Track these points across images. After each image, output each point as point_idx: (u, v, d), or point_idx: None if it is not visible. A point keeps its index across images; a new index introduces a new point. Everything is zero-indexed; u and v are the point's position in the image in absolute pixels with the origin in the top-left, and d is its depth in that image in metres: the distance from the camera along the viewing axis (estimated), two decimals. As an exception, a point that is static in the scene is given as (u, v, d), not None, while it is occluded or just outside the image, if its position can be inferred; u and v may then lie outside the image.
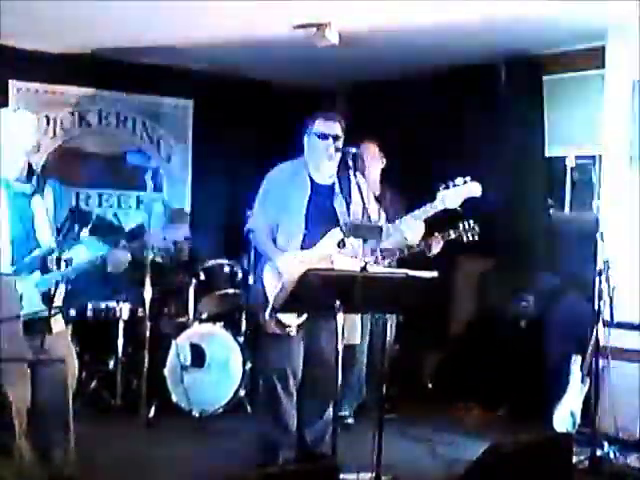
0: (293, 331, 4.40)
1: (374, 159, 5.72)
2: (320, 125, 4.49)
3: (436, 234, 5.18)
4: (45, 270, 3.71)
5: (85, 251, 3.82)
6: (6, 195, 3.71)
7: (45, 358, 3.71)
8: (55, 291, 3.74)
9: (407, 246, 5.02)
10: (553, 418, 5.19)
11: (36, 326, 3.66)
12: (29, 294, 3.64)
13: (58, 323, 3.81)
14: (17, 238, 3.69)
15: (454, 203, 4.30)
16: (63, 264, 3.78)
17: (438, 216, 4.41)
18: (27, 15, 5.51)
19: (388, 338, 5.23)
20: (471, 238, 5.16)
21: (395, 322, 5.69)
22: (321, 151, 4.47)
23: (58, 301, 3.78)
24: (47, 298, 3.70)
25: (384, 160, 5.77)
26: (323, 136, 4.46)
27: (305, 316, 4.38)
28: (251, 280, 4.60)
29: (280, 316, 4.36)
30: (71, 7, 5.35)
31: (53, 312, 3.72)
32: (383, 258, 4.99)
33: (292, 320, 4.37)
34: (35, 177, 3.80)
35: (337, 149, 4.45)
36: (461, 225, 5.14)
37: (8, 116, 3.79)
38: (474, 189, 4.30)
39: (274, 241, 4.49)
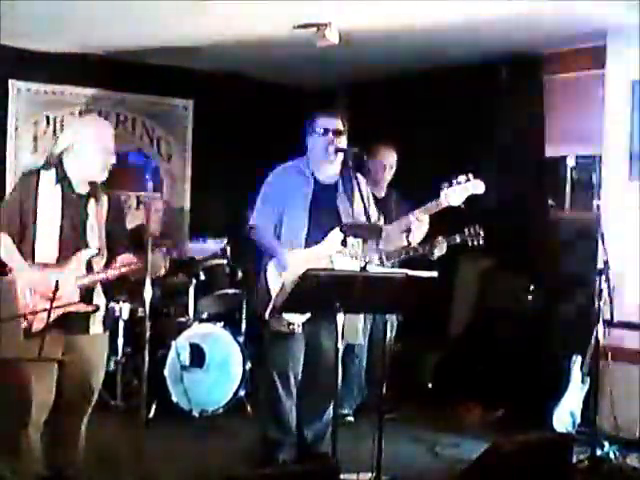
0: (297, 329, 4.40)
1: (392, 161, 5.73)
2: (322, 122, 4.49)
3: (440, 238, 5.19)
4: (89, 271, 3.77)
5: (130, 258, 3.86)
6: (64, 195, 3.79)
7: (74, 359, 3.74)
8: (93, 291, 3.80)
9: (411, 248, 5.03)
10: (553, 418, 5.19)
11: (71, 323, 3.70)
12: (70, 290, 3.67)
13: (96, 326, 3.84)
14: (67, 236, 3.76)
15: (457, 200, 4.31)
16: (108, 267, 3.83)
17: (443, 219, 4.42)
18: (27, 15, 5.52)
19: (388, 338, 5.25)
20: (476, 243, 5.18)
21: (396, 322, 5.70)
22: (323, 148, 4.48)
23: (98, 302, 3.83)
24: (87, 297, 3.76)
25: (394, 167, 5.77)
26: (325, 132, 4.46)
27: (309, 314, 4.38)
28: (254, 278, 4.63)
29: (285, 314, 4.37)
30: (70, 6, 5.35)
31: (91, 310, 3.77)
32: (387, 259, 5.00)
33: (297, 318, 4.38)
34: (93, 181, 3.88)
35: (339, 149, 4.45)
36: (466, 230, 5.16)
37: (91, 122, 3.95)
38: (477, 186, 4.31)
39: (277, 238, 4.50)
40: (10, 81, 6.68)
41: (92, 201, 3.85)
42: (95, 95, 7.03)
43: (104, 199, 3.89)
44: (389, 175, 5.76)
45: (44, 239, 3.73)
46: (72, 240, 3.77)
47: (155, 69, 7.06)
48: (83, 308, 3.74)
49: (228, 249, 3.92)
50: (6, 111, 6.67)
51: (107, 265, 3.83)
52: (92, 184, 3.86)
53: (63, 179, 3.80)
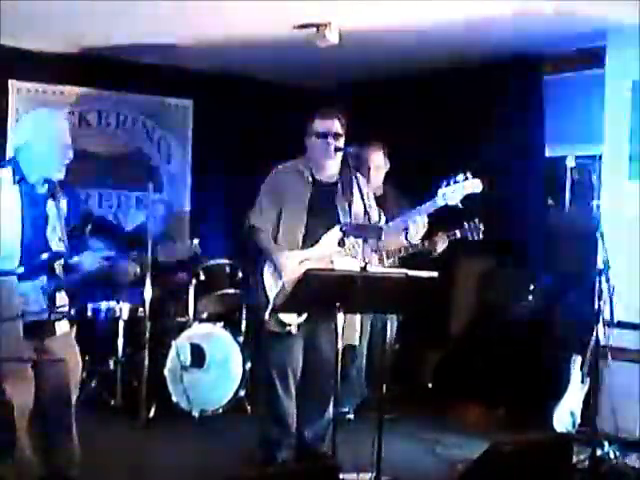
0: (293, 330, 4.41)
1: (379, 162, 5.73)
2: (318, 124, 4.49)
3: (441, 233, 5.20)
4: (52, 274, 3.67)
5: (93, 257, 3.81)
6: (23, 196, 3.67)
7: (46, 359, 3.71)
8: (56, 294, 3.71)
9: (411, 245, 5.03)
10: (553, 418, 5.19)
11: (40, 328, 3.66)
12: (35, 297, 3.62)
13: (62, 324, 3.79)
14: (28, 239, 3.65)
15: (455, 199, 4.31)
16: (71, 269, 3.75)
17: (443, 215, 4.43)
18: (25, 14, 5.51)
19: (388, 338, 5.25)
20: (476, 237, 5.19)
21: (395, 322, 5.71)
22: (321, 150, 4.48)
23: (63, 305, 3.76)
24: (52, 301, 3.68)
25: (388, 164, 5.79)
26: (322, 135, 4.46)
27: (305, 315, 4.38)
28: (251, 279, 4.64)
29: (280, 315, 4.37)
30: (71, 5, 5.35)
31: (59, 317, 3.71)
32: (387, 257, 5.00)
33: (292, 319, 4.38)
34: (51, 180, 3.75)
35: (338, 148, 4.44)
36: (466, 224, 5.17)
37: (45, 115, 3.78)
38: (475, 185, 4.32)
39: (275, 239, 4.49)
40: (10, 81, 6.68)
41: (50, 201, 3.72)
42: (95, 95, 7.02)
43: (61, 197, 3.77)
44: (379, 175, 5.74)
45: (6, 242, 3.58)
46: (34, 243, 3.65)
47: (155, 69, 7.06)
48: (54, 316, 3.67)
49: (199, 251, 3.87)
50: (6, 111, 6.66)
51: (68, 266, 3.73)
52: (49, 181, 3.72)
53: (20, 179, 3.65)
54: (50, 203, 3.74)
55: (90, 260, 3.78)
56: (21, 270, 3.61)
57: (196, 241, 3.93)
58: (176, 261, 6.32)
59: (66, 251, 3.74)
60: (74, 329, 3.91)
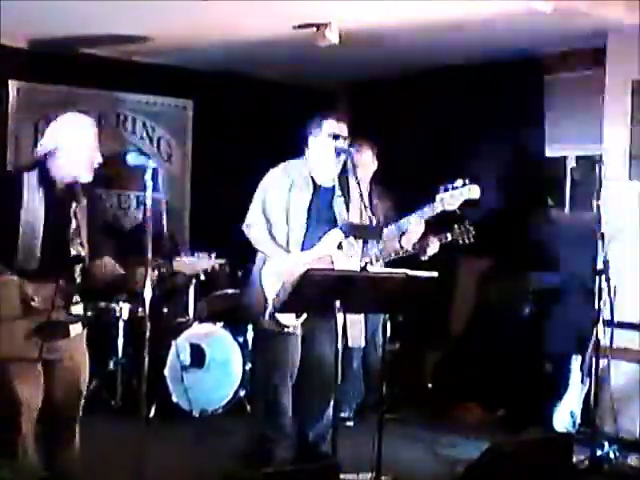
0: (292, 330, 4.41)
1: (367, 161, 5.71)
2: (333, 126, 4.46)
3: (432, 236, 5.17)
4: (70, 277, 3.69)
5: (111, 262, 3.84)
6: (48, 199, 3.68)
7: (58, 360, 3.73)
8: (72, 297, 3.73)
9: (403, 249, 5.03)
10: (553, 418, 5.19)
11: (55, 329, 3.66)
12: (52, 299, 3.60)
13: (76, 327, 3.80)
14: (49, 242, 3.65)
15: (453, 205, 4.31)
16: (89, 273, 3.77)
17: (434, 218, 4.43)
18: (22, 13, 5.51)
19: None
20: (467, 241, 5.16)
21: (389, 322, 5.70)
22: (330, 152, 4.45)
23: (78, 308, 3.77)
24: (68, 304, 3.69)
25: (376, 163, 5.75)
26: (336, 137, 4.44)
27: (304, 316, 4.38)
28: (250, 279, 4.65)
29: (279, 316, 4.36)
30: (72, 6, 5.35)
31: (74, 319, 3.72)
32: (377, 259, 4.99)
33: (291, 320, 4.37)
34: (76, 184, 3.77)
35: (343, 150, 4.44)
36: (457, 227, 5.14)
37: (74, 121, 3.79)
38: (473, 191, 4.31)
39: (275, 240, 4.49)
40: (10, 81, 6.67)
41: (74, 204, 3.74)
42: (95, 95, 7.02)
43: (84, 200, 3.78)
44: (366, 174, 5.68)
45: (27, 244, 3.61)
46: (55, 246, 3.66)
47: (155, 69, 7.06)
48: (66, 318, 3.68)
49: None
50: (6, 111, 6.66)
51: (89, 269, 3.76)
52: (73, 185, 3.74)
53: (47, 181, 3.68)
54: (74, 206, 3.75)
55: (108, 265, 3.82)
56: (40, 272, 3.62)
57: (214, 255, 3.94)
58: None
59: (86, 255, 3.75)
60: (85, 331, 3.93)
